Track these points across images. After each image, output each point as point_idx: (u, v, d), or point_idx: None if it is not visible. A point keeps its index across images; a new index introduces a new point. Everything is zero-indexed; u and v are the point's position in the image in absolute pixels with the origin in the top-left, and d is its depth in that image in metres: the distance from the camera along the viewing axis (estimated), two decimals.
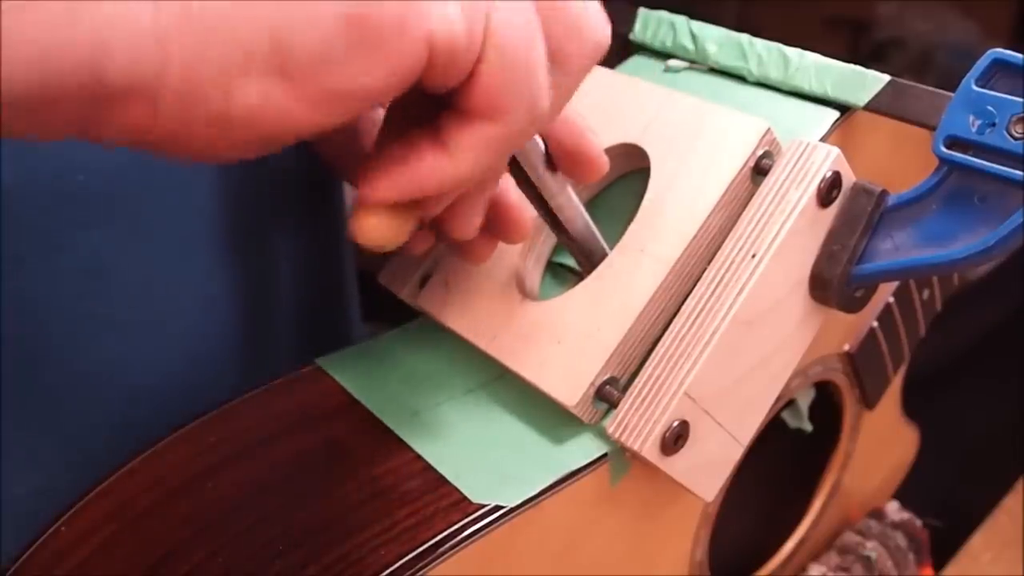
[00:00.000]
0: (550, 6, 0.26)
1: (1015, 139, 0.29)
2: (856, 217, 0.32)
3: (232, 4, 0.21)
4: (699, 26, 0.40)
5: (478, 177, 0.27)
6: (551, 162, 0.32)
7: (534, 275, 0.38)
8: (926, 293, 0.47)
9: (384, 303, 0.40)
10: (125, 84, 0.20)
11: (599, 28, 0.28)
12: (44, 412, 0.36)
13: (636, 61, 0.42)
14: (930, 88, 0.34)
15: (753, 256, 0.31)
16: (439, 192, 0.26)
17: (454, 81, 0.24)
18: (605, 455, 0.32)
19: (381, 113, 0.30)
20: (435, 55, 0.23)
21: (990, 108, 0.30)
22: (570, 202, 0.34)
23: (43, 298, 0.35)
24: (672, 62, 0.40)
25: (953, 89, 0.31)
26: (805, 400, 0.47)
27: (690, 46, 0.40)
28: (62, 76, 0.19)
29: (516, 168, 0.32)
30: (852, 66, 0.36)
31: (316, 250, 0.45)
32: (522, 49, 0.25)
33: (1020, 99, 0.29)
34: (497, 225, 0.33)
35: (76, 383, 0.36)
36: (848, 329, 0.44)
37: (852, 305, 0.33)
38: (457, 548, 0.29)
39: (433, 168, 0.26)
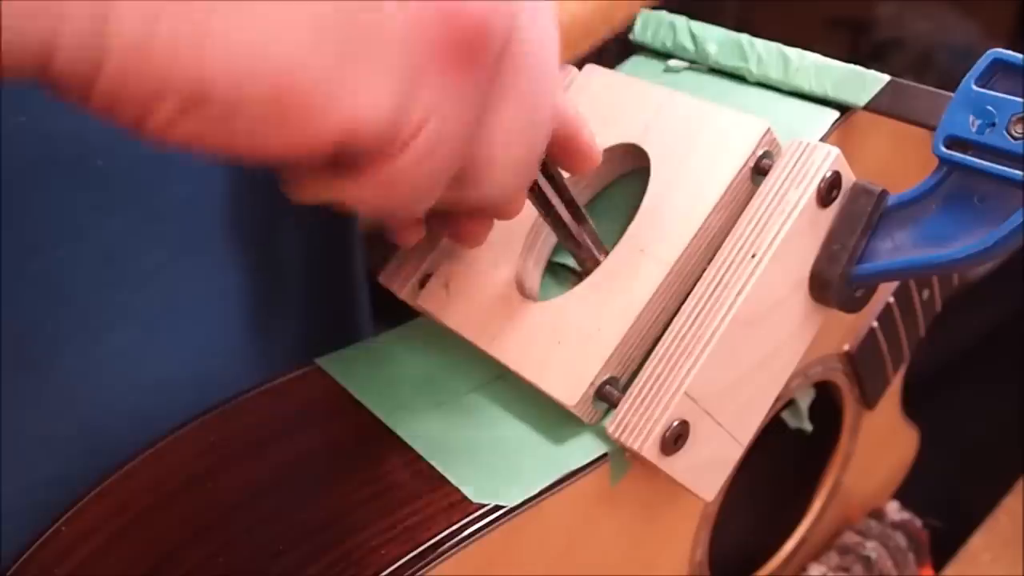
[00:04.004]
0: (491, 129, 0.26)
1: (1015, 139, 0.29)
2: (856, 217, 0.32)
3: (171, 38, 0.20)
4: (699, 26, 0.40)
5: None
6: (552, 163, 0.32)
7: (534, 275, 0.38)
8: (926, 293, 0.47)
9: (387, 303, 0.40)
10: (63, 77, 0.20)
11: (502, 190, 0.28)
12: (55, 401, 0.36)
13: (636, 61, 0.42)
14: (930, 88, 0.34)
15: (753, 256, 0.31)
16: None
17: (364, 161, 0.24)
18: (605, 455, 0.32)
19: None
20: (351, 144, 0.23)
21: (990, 108, 0.30)
22: (571, 202, 0.34)
23: (61, 284, 0.34)
24: (672, 62, 0.40)
25: (953, 89, 0.31)
26: (805, 400, 0.47)
27: (690, 46, 0.40)
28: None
29: None
30: (852, 66, 0.36)
31: (326, 249, 0.45)
32: (440, 165, 0.25)
33: (1020, 99, 0.29)
34: None
35: (88, 373, 0.36)
36: (848, 329, 0.44)
37: (852, 305, 0.33)
38: (457, 548, 0.29)
39: (301, 187, 0.26)
